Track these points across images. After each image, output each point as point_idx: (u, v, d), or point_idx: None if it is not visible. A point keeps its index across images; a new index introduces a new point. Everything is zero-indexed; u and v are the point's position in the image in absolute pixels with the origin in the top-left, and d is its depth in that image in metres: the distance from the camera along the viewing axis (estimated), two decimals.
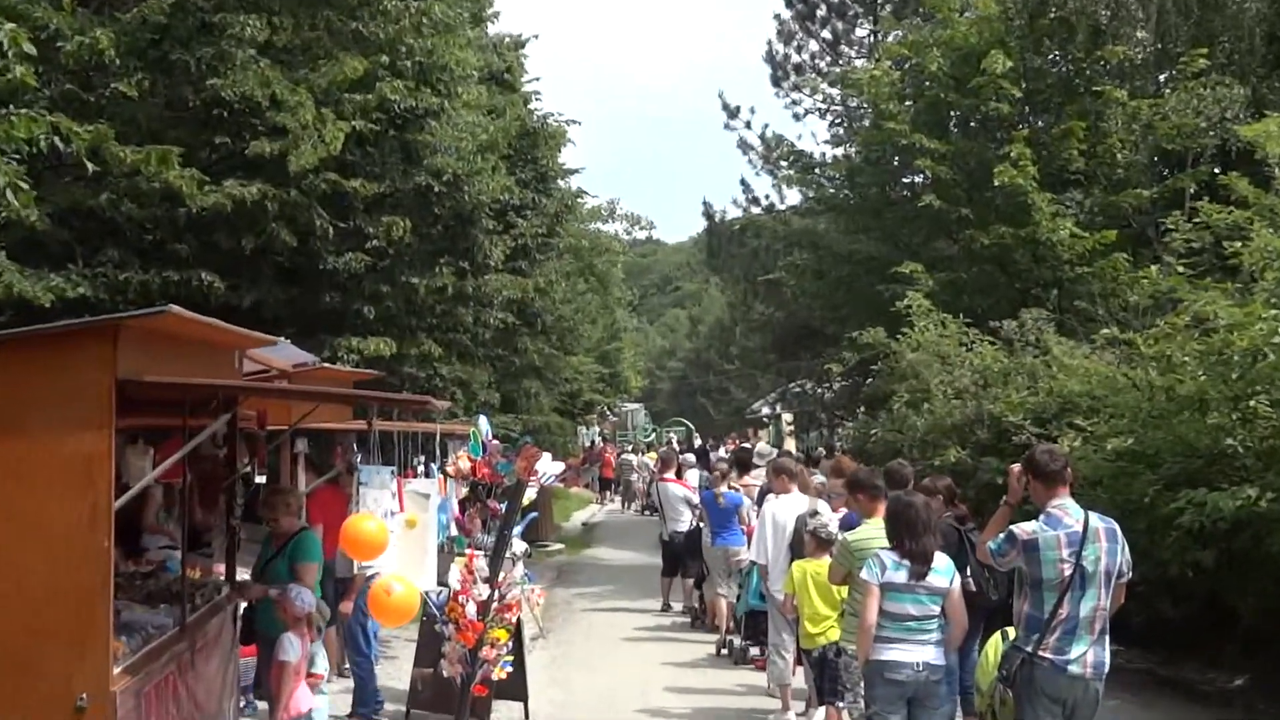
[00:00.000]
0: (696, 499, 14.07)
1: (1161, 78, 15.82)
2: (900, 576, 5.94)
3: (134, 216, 10.29)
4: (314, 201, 11.23)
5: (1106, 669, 5.46)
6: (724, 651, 11.53)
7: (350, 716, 8.26)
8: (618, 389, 38.99)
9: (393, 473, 6.60)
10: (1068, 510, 5.53)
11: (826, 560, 7.46)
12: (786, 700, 8.89)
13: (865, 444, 13.63)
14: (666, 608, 14.41)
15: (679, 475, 15.05)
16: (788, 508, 9.01)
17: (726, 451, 23.27)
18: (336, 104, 10.93)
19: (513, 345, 17.68)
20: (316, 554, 7.13)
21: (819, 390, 22.37)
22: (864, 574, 6.03)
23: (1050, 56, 15.80)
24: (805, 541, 8.12)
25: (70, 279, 9.51)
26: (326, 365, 8.97)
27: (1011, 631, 5.72)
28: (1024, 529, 5.53)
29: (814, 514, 8.15)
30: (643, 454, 33.70)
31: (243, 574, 7.27)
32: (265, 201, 10.58)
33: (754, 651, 10.91)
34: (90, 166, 7.48)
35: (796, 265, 19.61)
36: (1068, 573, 5.38)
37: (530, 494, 7.75)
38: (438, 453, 10.69)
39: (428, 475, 10.29)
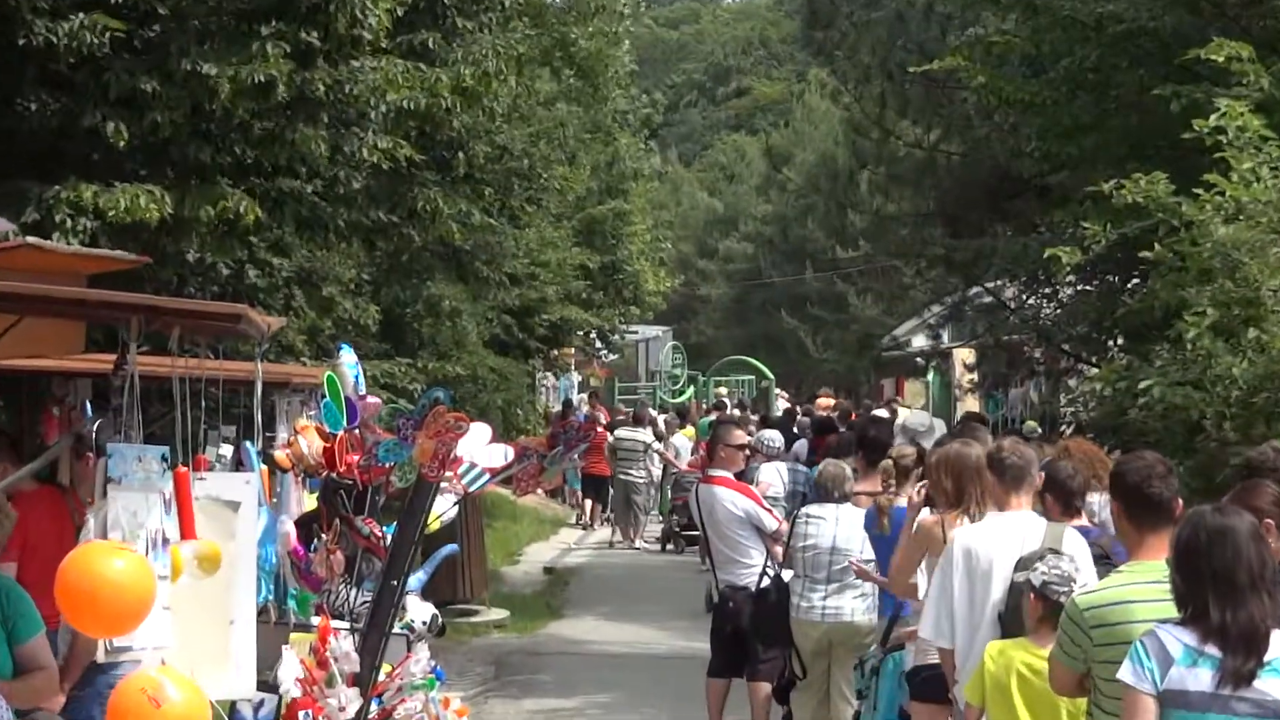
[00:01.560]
0: (775, 522, 14.25)
1: None
2: (1202, 678, 5.99)
3: None
4: None
5: None
6: None
7: None
8: (619, 298, 38.96)
9: (165, 460, 6.60)
10: None
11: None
12: None
13: (1124, 411, 13.57)
14: None
15: (742, 473, 15.16)
16: (998, 539, 9.09)
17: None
18: None
19: (407, 205, 17.83)
20: (38, 618, 7.35)
21: (1030, 302, 22.33)
22: (1124, 673, 6.10)
23: None
24: (1028, 608, 8.34)
25: None
26: (34, 240, 8.94)
27: None
28: None
29: (1050, 556, 8.29)
30: (661, 431, 33.45)
31: None
32: None
33: None
34: None
35: (989, 44, 19.37)
36: None
37: (445, 507, 8.37)
38: (258, 422, 10.37)
39: (240, 466, 9.96)
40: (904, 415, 22.92)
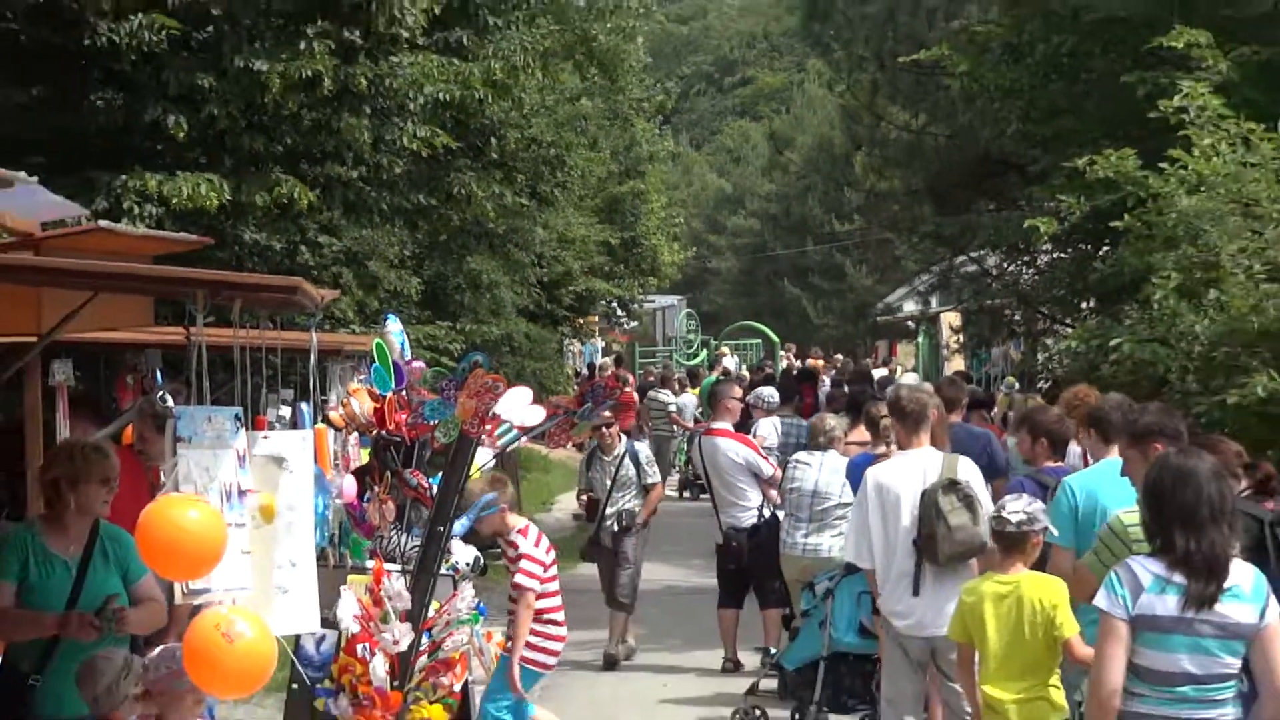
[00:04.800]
0: (770, 469, 14.58)
1: None
2: (1167, 604, 6.05)
3: None
4: None
5: None
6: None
7: None
8: (638, 269, 39.05)
9: (238, 420, 6.42)
10: None
11: (1018, 573, 8.13)
12: None
13: (1096, 366, 13.62)
14: (733, 665, 14.75)
15: (743, 425, 15.48)
16: (904, 474, 9.67)
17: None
18: None
19: (444, 189, 18.02)
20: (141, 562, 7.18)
21: (1011, 269, 22.37)
22: (1100, 600, 6.18)
23: None
24: (962, 540, 9.12)
25: None
26: (105, 224, 8.95)
27: None
28: None
29: (1009, 501, 8.39)
30: (680, 390, 33.57)
31: None
32: None
33: None
34: None
35: (974, 34, 19.35)
36: None
37: (484, 459, 8.13)
38: (313, 385, 10.61)
39: (296, 425, 10.31)
40: (902, 377, 23.54)
